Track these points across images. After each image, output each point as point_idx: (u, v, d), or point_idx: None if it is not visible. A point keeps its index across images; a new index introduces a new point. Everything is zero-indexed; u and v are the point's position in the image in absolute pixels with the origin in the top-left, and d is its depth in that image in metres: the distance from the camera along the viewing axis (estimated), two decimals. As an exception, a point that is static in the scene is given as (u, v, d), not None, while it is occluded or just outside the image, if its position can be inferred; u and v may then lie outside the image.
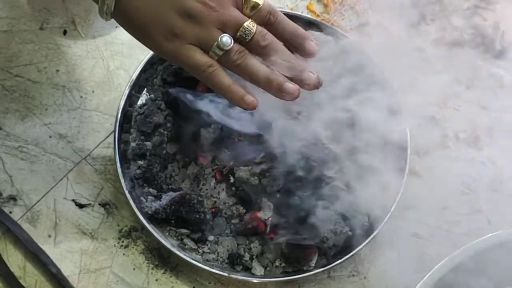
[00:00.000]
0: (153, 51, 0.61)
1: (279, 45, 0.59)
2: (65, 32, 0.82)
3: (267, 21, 0.59)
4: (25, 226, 0.73)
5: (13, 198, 0.74)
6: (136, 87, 0.76)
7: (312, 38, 0.61)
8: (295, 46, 0.61)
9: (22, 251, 0.72)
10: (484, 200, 0.77)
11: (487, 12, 0.86)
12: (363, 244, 0.69)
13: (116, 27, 0.83)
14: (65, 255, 0.72)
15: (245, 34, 0.58)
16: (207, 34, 0.57)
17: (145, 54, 0.76)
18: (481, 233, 0.72)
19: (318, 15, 0.85)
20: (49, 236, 0.73)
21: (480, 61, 0.82)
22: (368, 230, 0.70)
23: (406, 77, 0.81)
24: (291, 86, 0.59)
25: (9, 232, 0.72)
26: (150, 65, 0.77)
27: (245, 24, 0.57)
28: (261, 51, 0.59)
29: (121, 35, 0.83)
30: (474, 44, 0.83)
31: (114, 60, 0.82)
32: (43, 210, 0.74)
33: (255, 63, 0.58)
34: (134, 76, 0.75)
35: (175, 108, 0.74)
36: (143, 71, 0.76)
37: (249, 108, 0.59)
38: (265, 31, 0.59)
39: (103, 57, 0.82)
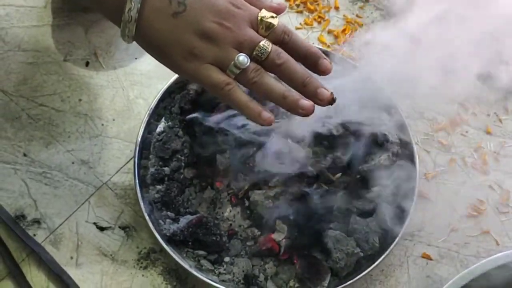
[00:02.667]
0: (173, 71, 0.62)
1: (294, 63, 0.61)
2: (87, 64, 0.86)
3: (281, 40, 0.61)
4: (49, 248, 0.76)
5: (37, 222, 0.77)
6: (155, 115, 0.79)
7: (325, 57, 0.62)
8: (309, 64, 0.62)
9: (45, 272, 0.74)
10: (491, 222, 0.79)
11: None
12: (374, 265, 0.70)
13: (136, 58, 0.87)
14: (86, 276, 0.75)
15: (260, 53, 0.59)
16: (225, 54, 0.59)
17: (163, 83, 0.79)
18: (489, 254, 0.74)
19: (328, 46, 0.89)
20: (71, 258, 0.75)
21: (485, 88, 0.85)
22: (379, 252, 0.72)
23: (415, 104, 0.83)
24: (306, 102, 0.60)
25: (33, 254, 0.75)
26: (168, 94, 0.79)
27: (260, 44, 0.59)
28: (276, 69, 0.60)
29: (140, 66, 0.86)
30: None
31: (133, 89, 0.85)
32: (65, 233, 0.77)
33: (270, 81, 0.60)
34: (153, 105, 0.78)
35: (192, 135, 0.77)
36: (161, 100, 0.79)
37: (266, 124, 0.60)
38: (280, 49, 0.60)
39: (123, 87, 0.85)
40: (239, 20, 0.60)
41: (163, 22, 0.59)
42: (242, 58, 0.59)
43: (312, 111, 0.61)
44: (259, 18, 0.61)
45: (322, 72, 0.62)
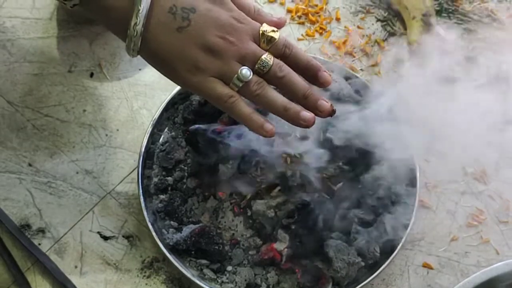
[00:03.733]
0: (177, 84, 0.64)
1: (295, 75, 0.62)
2: (91, 75, 0.87)
3: (283, 53, 0.62)
4: (53, 257, 0.76)
5: (42, 231, 0.78)
6: (158, 126, 0.80)
7: (325, 69, 0.63)
8: (309, 77, 0.64)
9: (50, 281, 0.75)
10: (491, 232, 0.79)
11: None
12: (375, 274, 0.71)
13: (140, 69, 0.88)
14: (90, 285, 0.75)
15: (263, 66, 0.61)
16: (228, 67, 0.60)
17: (167, 94, 0.80)
18: (490, 263, 0.74)
19: (330, 57, 0.89)
20: (76, 266, 0.76)
21: (484, 97, 0.85)
22: (380, 261, 0.72)
23: (415, 114, 0.84)
24: (307, 114, 0.62)
25: (38, 263, 0.76)
26: (171, 104, 0.80)
27: (262, 57, 0.61)
28: (278, 82, 0.62)
29: (144, 77, 0.87)
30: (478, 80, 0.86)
31: (137, 100, 0.86)
32: (70, 242, 0.77)
33: (273, 93, 0.62)
34: (156, 115, 0.79)
35: (195, 145, 0.78)
36: (164, 110, 0.80)
37: (268, 135, 0.62)
38: (281, 63, 0.62)
39: (127, 98, 0.86)
40: (242, 34, 0.61)
41: (167, 36, 0.60)
42: (245, 71, 0.60)
43: (313, 123, 0.62)
44: (260, 32, 0.62)
45: (322, 84, 0.64)
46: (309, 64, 0.63)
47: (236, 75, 0.60)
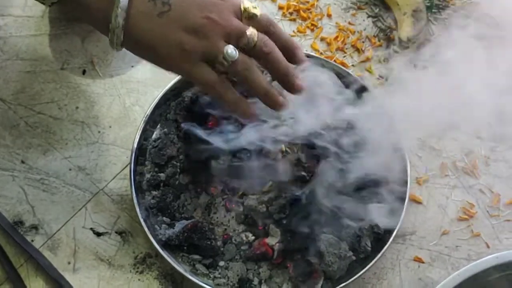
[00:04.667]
0: (165, 69, 0.64)
1: (279, 52, 0.64)
2: (84, 72, 0.87)
3: (266, 30, 0.64)
4: (46, 253, 0.77)
5: (35, 227, 0.78)
6: (151, 122, 0.80)
7: (300, 47, 0.66)
8: (287, 54, 0.65)
9: (43, 278, 0.75)
10: (482, 226, 0.80)
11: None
12: (366, 268, 0.72)
13: (132, 66, 0.88)
14: (83, 281, 0.76)
15: (248, 42, 0.62)
16: (214, 47, 0.61)
17: (159, 91, 0.80)
18: (480, 257, 0.75)
19: (321, 53, 0.90)
20: (69, 263, 0.77)
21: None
22: (371, 255, 0.73)
23: (406, 110, 0.84)
24: (283, 100, 0.65)
25: (31, 259, 0.76)
26: (163, 101, 0.81)
27: (247, 33, 0.62)
28: (263, 57, 0.63)
29: (137, 74, 0.88)
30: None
31: (130, 97, 0.86)
32: (63, 238, 0.78)
33: (258, 75, 0.63)
34: (149, 112, 0.79)
35: (187, 141, 0.78)
36: (157, 107, 0.80)
37: (252, 119, 0.66)
38: (266, 37, 0.63)
39: (120, 95, 0.86)
40: (224, 11, 0.62)
41: (150, 23, 0.60)
42: (231, 51, 0.61)
43: (287, 107, 0.65)
44: (242, 8, 0.63)
45: (299, 61, 0.66)
46: (289, 42, 0.65)
47: (222, 55, 0.61)
